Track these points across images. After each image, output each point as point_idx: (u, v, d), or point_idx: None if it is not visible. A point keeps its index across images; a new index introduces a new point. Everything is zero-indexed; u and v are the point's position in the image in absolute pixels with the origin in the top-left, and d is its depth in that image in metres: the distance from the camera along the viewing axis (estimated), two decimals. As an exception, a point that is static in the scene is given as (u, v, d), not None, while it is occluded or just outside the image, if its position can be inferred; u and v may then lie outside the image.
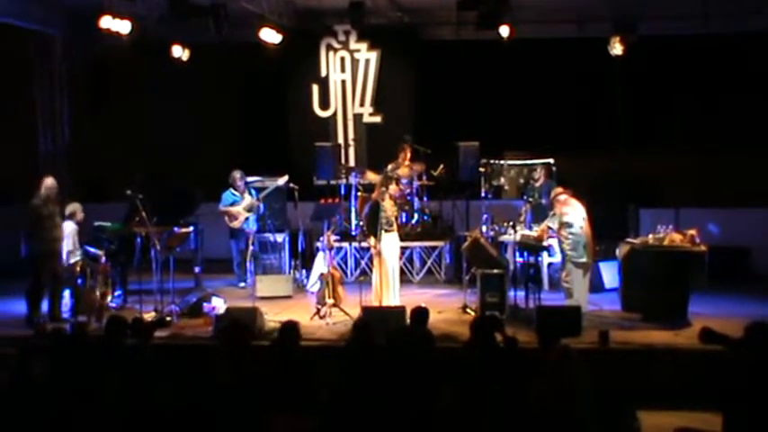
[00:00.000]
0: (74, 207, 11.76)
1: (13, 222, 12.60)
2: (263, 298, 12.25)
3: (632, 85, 14.89)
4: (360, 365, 7.54)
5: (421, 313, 8.72)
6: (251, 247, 12.21)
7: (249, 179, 13.75)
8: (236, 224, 13.38)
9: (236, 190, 13.51)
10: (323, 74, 16.40)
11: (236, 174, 13.57)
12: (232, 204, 13.45)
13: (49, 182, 11.22)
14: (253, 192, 13.64)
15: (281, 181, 13.70)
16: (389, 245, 11.31)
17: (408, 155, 14.11)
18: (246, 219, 13.41)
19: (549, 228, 11.46)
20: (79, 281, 11.56)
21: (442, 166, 14.48)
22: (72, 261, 11.57)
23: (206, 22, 13.28)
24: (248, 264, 12.31)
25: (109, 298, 11.82)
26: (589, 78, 15.00)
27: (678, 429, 6.79)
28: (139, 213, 11.26)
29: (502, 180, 14.91)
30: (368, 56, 16.26)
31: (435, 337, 9.10)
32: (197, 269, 13.53)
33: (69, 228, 11.54)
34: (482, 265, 11.31)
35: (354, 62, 16.30)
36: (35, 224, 11.10)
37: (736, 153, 14.99)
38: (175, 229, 12.04)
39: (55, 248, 11.21)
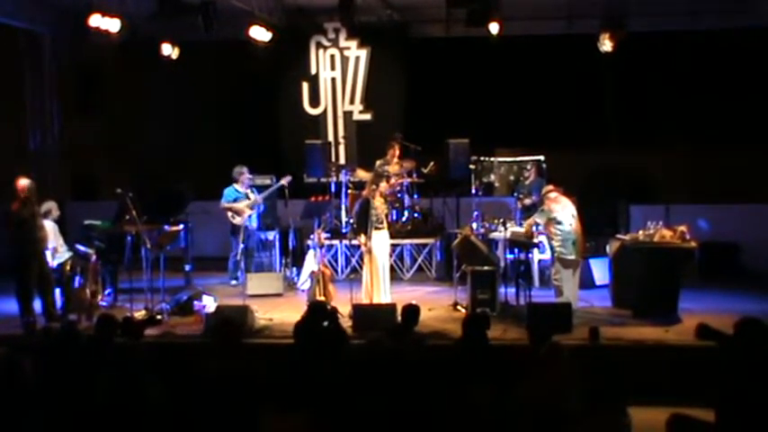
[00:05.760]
0: (49, 205, 11.60)
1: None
2: (253, 296, 12.24)
3: (622, 81, 14.91)
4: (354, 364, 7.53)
5: (412, 311, 8.71)
6: (240, 245, 12.18)
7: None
8: (238, 221, 13.14)
9: (239, 186, 13.36)
10: (313, 72, 16.40)
11: (243, 169, 13.40)
12: (235, 201, 13.31)
13: (23, 183, 10.87)
14: (254, 189, 13.53)
15: (285, 180, 13.54)
16: (380, 242, 11.29)
17: (397, 152, 14.06)
18: (249, 216, 13.31)
19: (536, 223, 11.46)
20: (70, 280, 11.52)
21: (432, 164, 14.46)
22: (57, 259, 11.51)
23: (195, 19, 13.26)
24: (240, 261, 12.30)
25: (99, 297, 11.79)
26: (579, 75, 15.02)
27: (673, 414, 6.77)
28: (129, 212, 11.19)
29: (492, 177, 14.93)
30: (358, 53, 16.27)
31: (426, 334, 9.11)
32: (187, 267, 13.48)
33: (49, 226, 11.39)
34: (472, 262, 11.32)
35: (344, 60, 16.31)
36: (17, 227, 10.84)
37: (726, 149, 15.05)
38: (165, 227, 11.99)
39: (38, 249, 11.00)
